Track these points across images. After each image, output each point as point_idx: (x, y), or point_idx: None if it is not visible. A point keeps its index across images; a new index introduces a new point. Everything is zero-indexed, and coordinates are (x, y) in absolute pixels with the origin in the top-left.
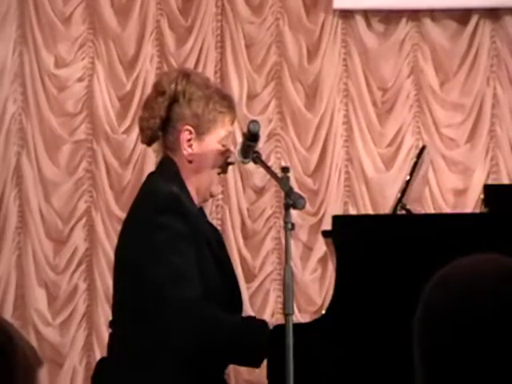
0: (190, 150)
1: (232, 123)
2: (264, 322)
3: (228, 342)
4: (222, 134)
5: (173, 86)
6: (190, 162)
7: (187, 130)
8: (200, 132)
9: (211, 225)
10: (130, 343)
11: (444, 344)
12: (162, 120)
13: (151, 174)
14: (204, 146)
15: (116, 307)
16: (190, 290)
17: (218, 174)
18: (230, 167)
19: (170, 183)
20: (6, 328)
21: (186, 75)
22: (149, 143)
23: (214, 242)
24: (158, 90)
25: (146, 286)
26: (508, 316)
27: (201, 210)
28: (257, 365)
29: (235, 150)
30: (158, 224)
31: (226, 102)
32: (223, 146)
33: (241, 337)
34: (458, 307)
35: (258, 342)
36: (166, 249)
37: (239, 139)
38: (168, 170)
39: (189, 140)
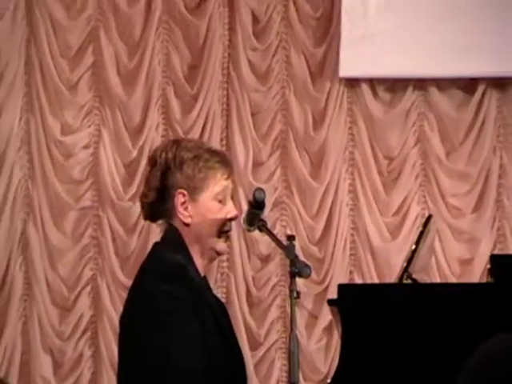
0: (185, 213)
1: (227, 178)
2: None
3: None
4: (216, 190)
5: (163, 155)
6: (188, 225)
7: (180, 193)
8: (193, 193)
9: (215, 296)
10: None
11: None
12: (158, 191)
13: (156, 244)
14: (199, 207)
15: (121, 375)
16: (195, 360)
17: (222, 232)
18: (235, 229)
19: (175, 252)
20: None
21: (176, 142)
22: (151, 219)
23: (218, 311)
24: (151, 162)
25: (150, 354)
26: None
27: (205, 279)
28: None
29: (234, 206)
30: (164, 292)
31: (217, 157)
32: (219, 201)
33: None
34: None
35: None
36: (171, 318)
37: (245, 207)
38: (172, 238)
39: (183, 203)
